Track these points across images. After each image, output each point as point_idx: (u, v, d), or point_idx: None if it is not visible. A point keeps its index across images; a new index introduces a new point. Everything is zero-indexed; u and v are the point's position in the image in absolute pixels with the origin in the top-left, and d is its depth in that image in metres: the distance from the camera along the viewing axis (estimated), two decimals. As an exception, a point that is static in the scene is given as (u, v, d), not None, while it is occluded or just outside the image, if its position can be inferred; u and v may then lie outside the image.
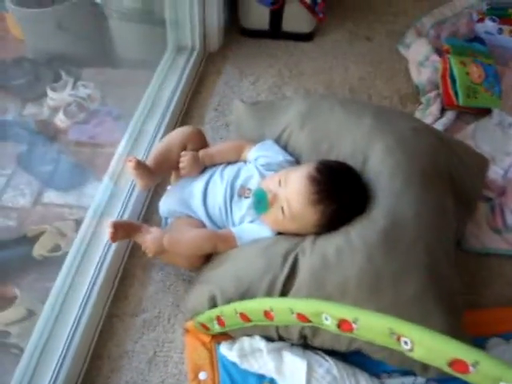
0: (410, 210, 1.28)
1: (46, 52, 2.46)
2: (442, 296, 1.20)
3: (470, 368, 0.93)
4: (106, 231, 1.38)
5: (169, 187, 1.62)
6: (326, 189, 1.30)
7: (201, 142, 1.57)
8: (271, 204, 1.33)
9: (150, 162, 1.49)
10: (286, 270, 1.26)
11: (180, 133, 1.57)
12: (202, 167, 1.53)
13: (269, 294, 1.25)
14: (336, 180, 1.32)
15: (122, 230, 1.41)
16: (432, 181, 1.36)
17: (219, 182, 1.47)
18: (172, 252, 1.39)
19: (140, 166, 1.42)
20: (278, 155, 1.49)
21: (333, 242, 1.27)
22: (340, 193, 1.31)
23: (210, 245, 1.41)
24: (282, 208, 1.32)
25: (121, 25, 2.33)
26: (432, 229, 1.28)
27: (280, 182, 1.35)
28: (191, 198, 1.49)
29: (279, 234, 1.40)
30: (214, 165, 1.54)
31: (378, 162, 1.37)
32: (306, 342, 1.29)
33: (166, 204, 1.55)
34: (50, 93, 2.25)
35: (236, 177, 1.47)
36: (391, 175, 1.34)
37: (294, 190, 1.32)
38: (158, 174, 1.51)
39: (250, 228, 1.42)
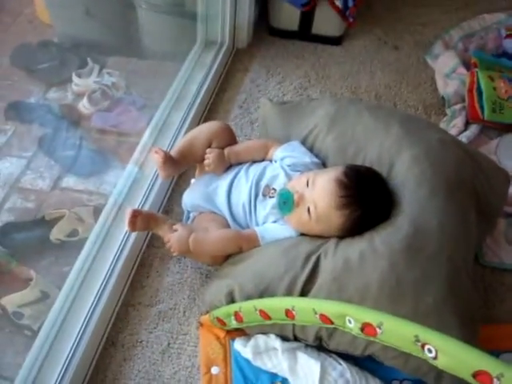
0: (434, 219, 1.27)
1: (73, 38, 2.47)
2: (460, 308, 1.19)
3: (495, 380, 0.93)
4: (125, 219, 1.39)
5: (193, 180, 1.62)
6: (352, 194, 1.29)
7: (228, 139, 1.56)
8: (297, 204, 1.33)
9: (174, 152, 1.49)
10: (306, 271, 1.26)
11: (207, 127, 1.57)
12: (228, 165, 1.52)
13: (288, 293, 1.25)
14: (363, 186, 1.32)
15: (142, 220, 1.41)
16: (456, 193, 1.35)
17: (244, 180, 1.47)
18: (196, 252, 1.39)
19: (167, 158, 1.43)
20: (304, 156, 1.49)
21: (356, 247, 1.27)
22: (366, 199, 1.30)
23: (234, 246, 1.41)
24: (309, 209, 1.32)
25: (149, 15, 2.33)
26: (454, 240, 1.28)
27: (308, 182, 1.34)
28: (215, 195, 1.49)
29: (302, 235, 1.40)
30: (240, 163, 1.54)
31: (404, 171, 1.37)
32: (321, 343, 1.28)
33: (190, 198, 1.55)
34: (75, 78, 2.26)
35: (261, 176, 1.46)
36: (416, 184, 1.33)
37: (321, 191, 1.31)
38: (181, 166, 1.52)
39: (274, 228, 1.41)
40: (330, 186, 1.30)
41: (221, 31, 2.24)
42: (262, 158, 1.54)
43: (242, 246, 1.41)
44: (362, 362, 1.29)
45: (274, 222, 1.42)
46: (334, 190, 1.29)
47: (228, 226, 1.47)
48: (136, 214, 1.40)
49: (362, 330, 1.09)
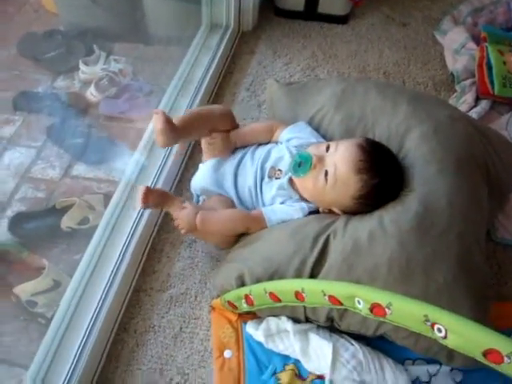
0: (444, 197, 1.26)
1: (78, 25, 2.46)
2: (471, 286, 1.18)
3: (505, 358, 0.92)
4: (138, 196, 1.37)
5: (201, 165, 1.61)
6: (373, 159, 1.30)
7: (230, 124, 1.55)
8: (314, 166, 1.33)
9: (178, 120, 1.41)
10: (315, 252, 1.25)
11: (220, 109, 1.56)
12: (233, 148, 1.52)
13: (298, 275, 1.25)
14: (382, 156, 1.33)
15: (154, 197, 1.40)
16: (467, 170, 1.34)
17: (250, 163, 1.46)
18: (203, 231, 1.39)
19: (167, 120, 1.35)
20: (311, 137, 1.48)
21: (365, 226, 1.26)
22: (385, 168, 1.31)
23: (241, 226, 1.41)
24: (326, 172, 1.32)
25: (154, 0, 2.32)
26: (465, 218, 1.26)
27: (328, 147, 1.35)
28: (223, 179, 1.49)
29: (310, 213, 1.40)
30: (245, 146, 1.53)
31: (413, 149, 1.36)
32: (332, 324, 1.28)
33: (198, 182, 1.55)
34: (81, 66, 2.26)
35: (266, 158, 1.46)
36: (426, 163, 1.32)
37: (342, 154, 1.31)
38: (181, 135, 1.41)
39: (280, 209, 1.41)
40: (352, 149, 1.31)
41: (226, 14, 2.23)
42: (267, 139, 1.54)
43: (248, 226, 1.41)
44: (375, 342, 1.29)
45: (282, 203, 1.42)
46: (355, 153, 1.30)
47: (235, 207, 1.47)
48: (148, 192, 1.38)
49: (371, 310, 1.08)
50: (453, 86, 2.09)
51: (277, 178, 1.42)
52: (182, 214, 1.38)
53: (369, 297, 1.09)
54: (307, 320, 1.31)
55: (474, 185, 1.34)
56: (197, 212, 1.36)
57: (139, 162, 1.73)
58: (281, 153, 1.45)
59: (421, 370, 1.29)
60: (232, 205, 1.47)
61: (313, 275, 1.24)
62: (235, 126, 1.56)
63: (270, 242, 1.36)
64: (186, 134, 1.45)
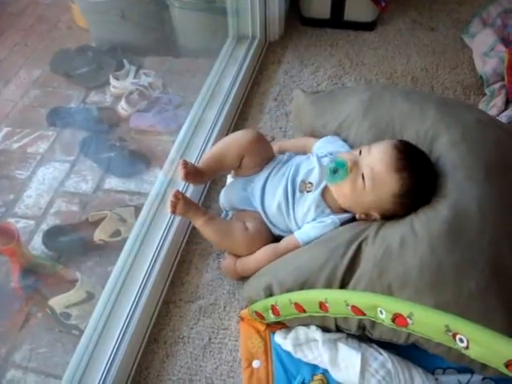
0: (474, 203, 1.23)
1: (109, 41, 2.51)
2: (505, 293, 1.14)
3: (529, 369, 0.91)
4: (168, 200, 1.41)
5: (229, 177, 1.62)
6: (410, 157, 1.30)
7: (261, 150, 1.53)
8: (350, 170, 1.32)
9: (202, 164, 1.48)
10: (346, 260, 1.24)
11: (239, 141, 1.51)
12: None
13: (328, 284, 1.24)
14: (417, 155, 1.33)
15: (183, 205, 1.42)
16: (498, 175, 1.31)
17: (278, 179, 1.46)
18: (245, 274, 1.50)
19: (190, 171, 1.42)
20: (340, 148, 1.49)
21: (397, 232, 1.25)
22: (421, 166, 1.31)
23: (276, 258, 1.42)
24: (363, 175, 1.31)
25: (182, 14, 2.36)
26: (497, 223, 1.23)
27: (361, 152, 1.35)
28: (251, 197, 1.50)
29: (342, 224, 1.39)
30: (273, 161, 1.53)
31: (442, 155, 1.34)
32: (364, 332, 1.27)
33: (227, 199, 1.56)
34: (112, 81, 2.30)
35: (296, 172, 1.45)
36: (455, 169, 1.30)
37: (378, 155, 1.31)
38: (207, 177, 1.52)
39: (312, 227, 1.40)
40: (388, 149, 1.31)
41: (252, 25, 2.24)
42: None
43: (282, 255, 1.41)
44: (405, 350, 1.27)
45: (313, 220, 1.41)
46: (393, 153, 1.30)
47: (264, 222, 1.48)
48: (178, 197, 1.41)
49: (394, 320, 1.08)
50: (482, 89, 2.06)
51: (308, 192, 1.42)
52: (223, 266, 1.54)
53: (390, 307, 1.08)
54: (338, 329, 1.30)
55: (505, 190, 1.31)
56: (234, 262, 1.49)
57: (168, 173, 1.75)
58: (310, 165, 1.45)
59: (451, 380, 1.26)
60: (261, 219, 1.48)
61: (344, 283, 1.23)
62: (269, 151, 1.56)
63: (300, 252, 1.36)
64: (213, 175, 1.56)
